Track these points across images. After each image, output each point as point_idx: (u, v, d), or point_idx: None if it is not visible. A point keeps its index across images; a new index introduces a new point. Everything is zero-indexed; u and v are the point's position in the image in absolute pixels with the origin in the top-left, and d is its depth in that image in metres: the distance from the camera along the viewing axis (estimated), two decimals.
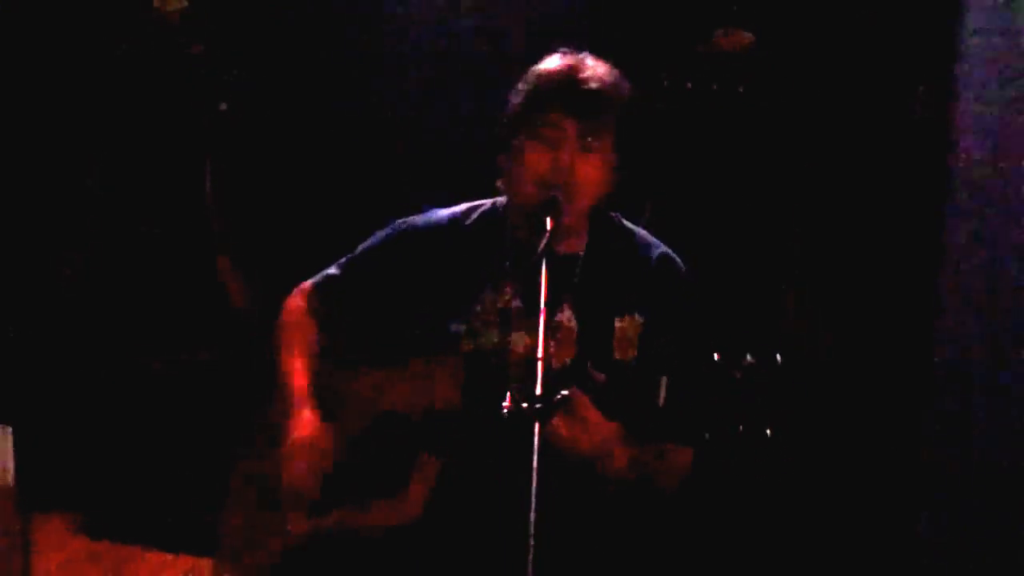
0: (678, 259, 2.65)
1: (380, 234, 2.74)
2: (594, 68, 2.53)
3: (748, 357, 2.19)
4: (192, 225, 4.32)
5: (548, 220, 2.42)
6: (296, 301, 2.79)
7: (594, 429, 2.32)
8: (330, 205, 4.09)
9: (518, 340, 2.57)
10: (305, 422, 2.61)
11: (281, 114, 4.20)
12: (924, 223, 3.51)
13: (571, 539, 2.48)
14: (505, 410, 2.17)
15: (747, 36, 3.80)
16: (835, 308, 3.76)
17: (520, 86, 2.59)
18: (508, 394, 2.18)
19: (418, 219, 2.72)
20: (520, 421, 2.13)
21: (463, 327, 2.59)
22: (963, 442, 3.25)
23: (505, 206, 2.67)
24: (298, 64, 4.17)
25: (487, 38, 3.98)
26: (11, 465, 3.02)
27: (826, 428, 3.45)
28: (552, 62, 2.57)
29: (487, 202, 2.72)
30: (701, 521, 3.59)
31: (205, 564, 3.79)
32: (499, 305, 2.58)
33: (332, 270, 2.77)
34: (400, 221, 2.73)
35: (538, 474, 2.02)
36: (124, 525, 4.10)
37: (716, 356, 2.21)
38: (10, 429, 3.10)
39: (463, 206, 2.73)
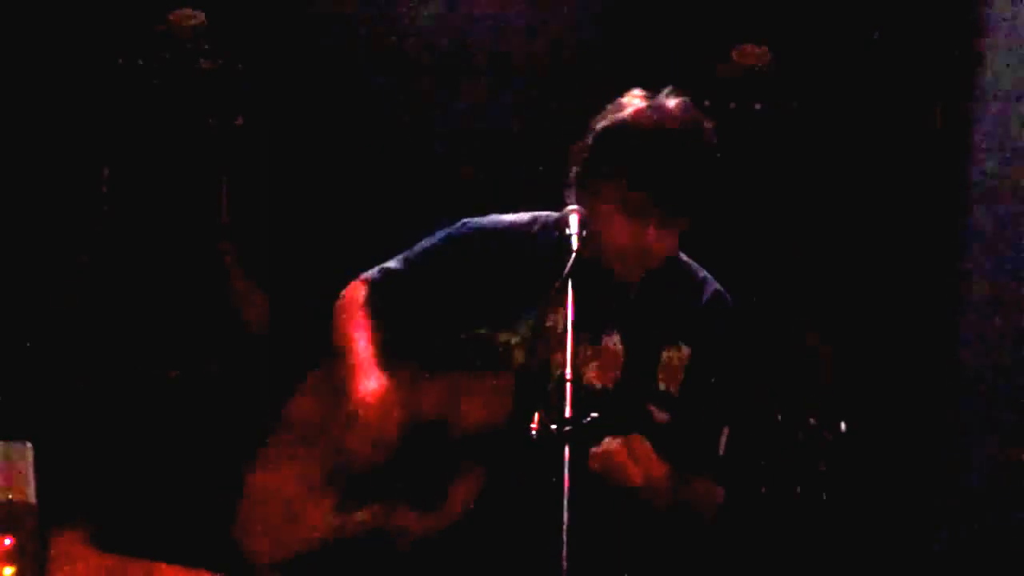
0: (729, 297, 2.64)
1: (444, 234, 2.69)
2: (691, 142, 2.45)
3: (811, 420, 2.19)
4: (207, 239, 4.32)
5: (574, 239, 2.41)
6: (356, 291, 2.72)
7: (650, 466, 2.33)
8: (347, 219, 4.09)
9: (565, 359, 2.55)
10: (375, 378, 2.56)
11: (298, 128, 4.20)
12: (943, 240, 3.51)
13: (607, 563, 2.48)
14: (533, 432, 2.17)
15: (765, 53, 3.80)
16: (852, 324, 3.76)
17: (609, 136, 2.49)
18: (536, 416, 2.18)
19: (484, 222, 2.68)
20: (549, 444, 2.13)
21: (515, 339, 2.57)
22: (984, 458, 3.25)
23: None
24: (315, 77, 4.17)
25: (505, 56, 3.99)
26: (32, 481, 3.01)
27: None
28: (648, 129, 2.45)
29: (553, 215, 2.64)
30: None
31: None
32: (554, 325, 2.53)
33: (393, 264, 2.71)
34: (465, 222, 2.69)
35: (573, 497, 2.01)
36: (140, 539, 4.09)
37: (779, 415, 2.21)
38: (30, 445, 3.10)
39: (527, 216, 2.69)
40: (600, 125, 2.52)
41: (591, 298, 2.47)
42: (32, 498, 2.98)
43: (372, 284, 2.71)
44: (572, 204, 2.51)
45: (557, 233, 2.52)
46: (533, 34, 3.98)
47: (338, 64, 4.15)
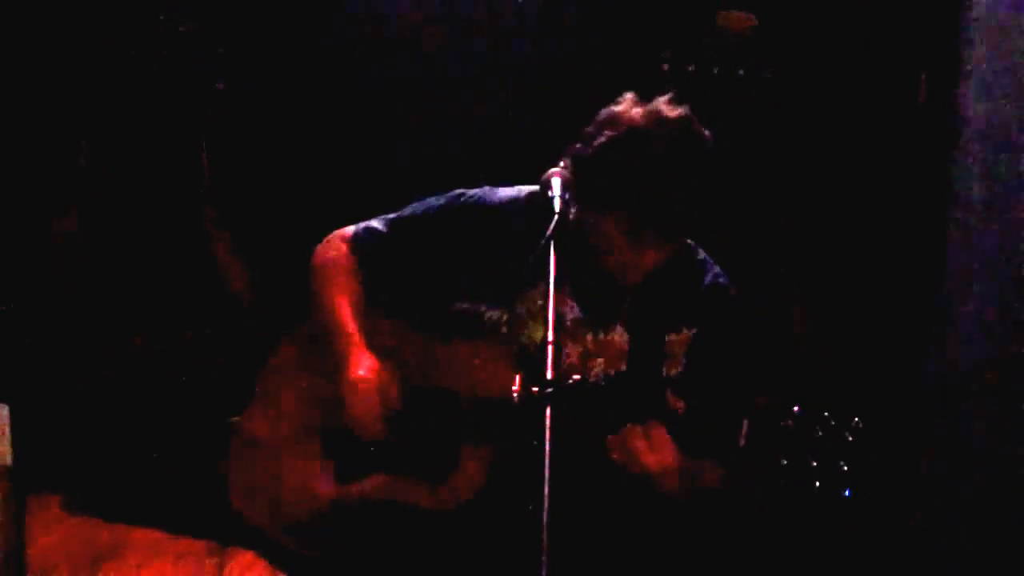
0: (729, 282, 2.61)
1: (435, 201, 2.62)
2: (691, 166, 2.34)
3: (826, 414, 2.19)
4: (188, 205, 4.30)
5: (556, 202, 2.37)
6: (335, 248, 2.66)
7: (665, 454, 2.30)
8: (329, 186, 4.07)
9: (572, 351, 2.54)
10: (365, 361, 2.53)
11: (279, 93, 4.17)
12: (928, 207, 3.49)
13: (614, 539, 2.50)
14: (515, 394, 2.16)
15: (750, 18, 3.79)
16: (833, 298, 3.76)
17: (607, 158, 2.36)
18: (517, 378, 2.17)
19: (478, 194, 2.61)
20: (530, 406, 2.12)
21: (503, 315, 2.54)
22: (965, 447, 3.24)
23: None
24: (296, 42, 4.14)
25: (488, 14, 3.96)
26: (9, 444, 3.01)
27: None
28: (648, 155, 2.32)
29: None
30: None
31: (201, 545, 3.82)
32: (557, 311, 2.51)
33: (377, 225, 2.64)
34: (458, 193, 2.62)
35: (555, 460, 2.01)
36: (119, 504, 4.08)
37: (796, 408, 2.21)
38: (7, 408, 3.09)
39: (525, 191, 2.59)
40: (598, 142, 2.38)
41: (596, 294, 2.49)
42: (8, 460, 2.98)
43: (353, 243, 2.65)
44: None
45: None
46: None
47: (318, 27, 4.12)
